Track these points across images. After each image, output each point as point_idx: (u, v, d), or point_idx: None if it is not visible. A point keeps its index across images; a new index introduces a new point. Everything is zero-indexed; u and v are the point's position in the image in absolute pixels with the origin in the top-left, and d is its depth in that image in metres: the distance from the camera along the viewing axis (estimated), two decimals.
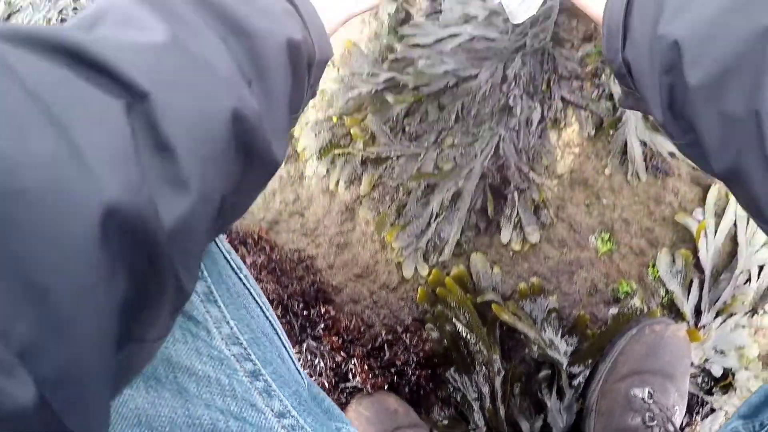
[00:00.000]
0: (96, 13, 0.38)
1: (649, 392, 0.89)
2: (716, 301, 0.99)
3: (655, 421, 0.87)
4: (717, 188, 0.98)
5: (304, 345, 0.87)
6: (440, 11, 0.95)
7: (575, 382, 0.93)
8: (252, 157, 0.42)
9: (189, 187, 0.34)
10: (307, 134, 0.94)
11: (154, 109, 0.33)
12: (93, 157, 0.28)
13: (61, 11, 1.44)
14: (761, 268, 0.99)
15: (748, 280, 0.98)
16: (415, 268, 0.91)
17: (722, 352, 0.99)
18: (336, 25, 0.64)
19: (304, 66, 0.51)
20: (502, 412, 0.89)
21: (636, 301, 0.96)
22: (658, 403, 0.89)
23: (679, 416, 0.92)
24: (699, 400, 1.00)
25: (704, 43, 0.44)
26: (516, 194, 0.90)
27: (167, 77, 0.34)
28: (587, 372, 0.93)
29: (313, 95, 0.61)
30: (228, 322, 0.55)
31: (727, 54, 0.42)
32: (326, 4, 0.61)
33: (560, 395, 0.90)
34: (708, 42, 0.43)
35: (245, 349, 0.55)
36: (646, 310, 0.96)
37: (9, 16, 1.58)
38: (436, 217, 0.89)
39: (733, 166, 0.44)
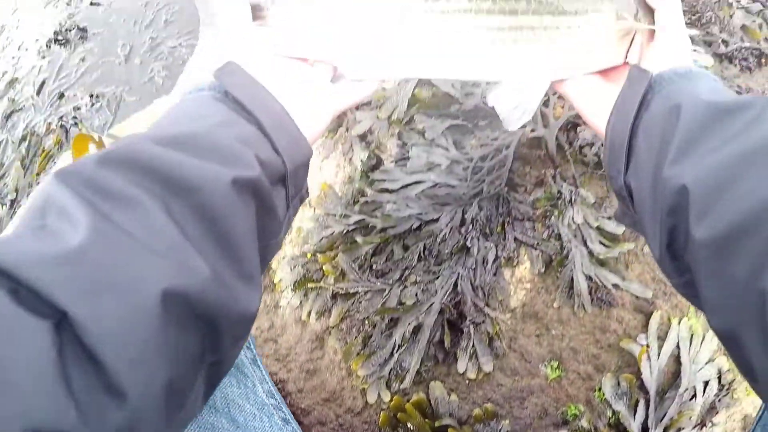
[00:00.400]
0: (42, 207, 0.39)
1: None
2: (663, 417, 1.06)
3: None
4: (659, 314, 1.06)
5: None
6: (408, 158, 1.05)
7: None
8: (214, 323, 0.41)
9: (124, 393, 0.33)
10: (283, 268, 1.03)
11: (76, 326, 0.33)
12: (20, 383, 0.30)
13: (61, 117, 1.54)
14: (706, 383, 1.06)
15: (694, 396, 1.05)
16: (378, 395, 0.98)
17: None
18: (323, 126, 0.62)
19: (267, 191, 0.49)
20: None
21: (584, 423, 1.03)
22: None
23: None
24: None
25: (713, 196, 0.41)
26: (472, 328, 0.98)
27: (85, 287, 0.34)
28: None
29: (302, 200, 0.59)
30: (267, 382, 0.70)
31: (737, 214, 0.39)
32: (307, 111, 0.59)
33: None
34: (717, 195, 0.41)
35: (278, 403, 0.70)
36: (593, 430, 1.04)
37: (11, 113, 1.68)
38: (398, 348, 0.97)
39: (730, 329, 0.41)
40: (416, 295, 0.99)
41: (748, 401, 1.08)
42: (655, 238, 0.48)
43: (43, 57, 1.74)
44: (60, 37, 1.72)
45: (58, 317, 0.33)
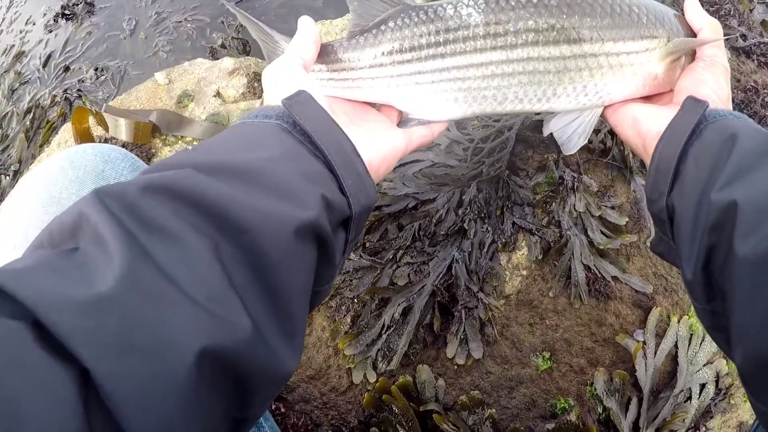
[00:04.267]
0: (74, 227, 0.36)
1: None
2: (655, 418, 1.03)
3: None
4: (658, 310, 1.04)
5: None
6: None
7: None
8: (247, 382, 0.37)
9: None
10: None
11: (99, 386, 0.30)
12: None
13: (66, 90, 1.53)
14: (702, 386, 1.04)
15: (689, 398, 1.03)
16: (364, 375, 0.96)
17: None
18: (388, 170, 0.61)
19: (329, 236, 0.44)
20: None
21: (572, 417, 1.01)
22: None
23: None
24: None
25: (764, 215, 0.41)
26: (463, 312, 0.96)
27: (112, 343, 0.30)
28: None
29: (356, 246, 0.55)
30: None
31: None
32: (374, 154, 0.56)
33: None
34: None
35: None
36: (582, 426, 1.01)
37: (18, 85, 1.68)
38: (387, 329, 0.95)
39: (765, 355, 0.40)
40: (408, 275, 0.97)
41: (745, 408, 1.08)
42: (691, 257, 0.47)
43: (50, 31, 1.74)
44: (67, 12, 1.72)
45: (79, 373, 0.30)
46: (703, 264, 0.46)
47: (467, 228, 0.99)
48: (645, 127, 0.60)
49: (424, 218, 0.99)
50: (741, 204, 0.42)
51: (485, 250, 0.99)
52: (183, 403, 0.32)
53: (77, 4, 1.72)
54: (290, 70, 0.59)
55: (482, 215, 1.00)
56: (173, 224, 0.35)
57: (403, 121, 0.71)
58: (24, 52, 1.77)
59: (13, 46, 1.81)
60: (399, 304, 0.95)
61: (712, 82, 0.60)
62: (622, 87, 0.68)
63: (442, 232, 0.99)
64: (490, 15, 0.66)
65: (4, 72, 1.77)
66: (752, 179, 0.43)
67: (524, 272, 1.02)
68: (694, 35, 0.69)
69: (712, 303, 0.47)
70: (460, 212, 1.00)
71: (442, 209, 0.99)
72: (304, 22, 0.64)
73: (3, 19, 1.86)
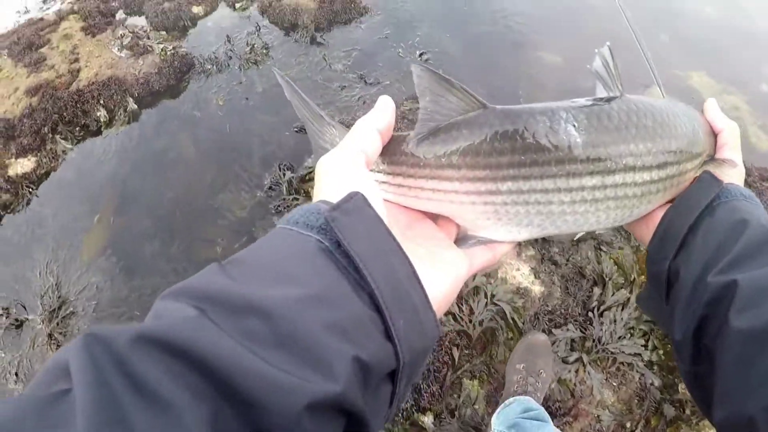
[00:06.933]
0: (57, 375, 0.30)
1: None
2: None
3: None
4: None
5: None
6: None
7: None
8: None
9: None
10: None
11: None
12: None
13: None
14: None
15: None
16: None
17: None
18: (450, 300, 0.47)
19: (358, 409, 0.34)
20: None
21: None
22: None
23: None
24: None
25: (761, 294, 0.42)
26: None
27: None
28: None
29: (414, 385, 0.49)
30: None
31: None
32: (435, 279, 0.45)
33: None
34: (765, 295, 0.42)
35: None
36: None
37: None
38: None
39: (747, 415, 0.40)
40: None
41: None
42: (684, 322, 0.48)
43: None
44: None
45: None
46: (695, 329, 0.47)
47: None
48: (655, 222, 0.58)
49: None
50: (741, 283, 0.43)
51: None
52: None
53: None
54: (349, 163, 0.46)
55: None
56: (165, 387, 0.29)
57: (461, 238, 0.57)
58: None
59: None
60: None
61: (728, 172, 0.60)
62: (671, 196, 0.61)
63: None
64: (592, 135, 0.54)
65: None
66: (752, 264, 0.45)
67: None
68: (714, 135, 0.65)
69: (697, 365, 0.47)
70: None
71: None
72: (383, 103, 0.51)
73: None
